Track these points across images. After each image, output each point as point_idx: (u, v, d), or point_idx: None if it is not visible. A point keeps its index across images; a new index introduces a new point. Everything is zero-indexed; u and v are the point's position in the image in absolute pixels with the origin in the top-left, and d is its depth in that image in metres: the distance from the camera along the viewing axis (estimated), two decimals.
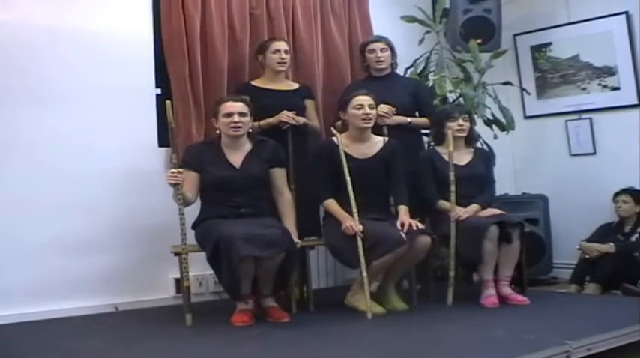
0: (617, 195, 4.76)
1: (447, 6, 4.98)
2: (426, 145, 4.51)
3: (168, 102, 3.61)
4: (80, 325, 3.69)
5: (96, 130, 4.05)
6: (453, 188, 3.90)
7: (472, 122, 4.18)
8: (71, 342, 3.29)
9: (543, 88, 5.47)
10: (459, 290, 3.93)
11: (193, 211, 3.78)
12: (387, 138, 4.02)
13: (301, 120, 4.10)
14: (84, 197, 3.99)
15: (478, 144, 4.39)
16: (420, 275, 4.16)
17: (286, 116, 4.03)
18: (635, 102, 5.03)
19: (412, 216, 3.85)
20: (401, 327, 3.47)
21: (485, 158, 4.24)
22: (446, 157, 3.99)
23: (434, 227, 4.03)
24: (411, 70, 4.79)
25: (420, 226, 3.77)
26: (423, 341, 3.19)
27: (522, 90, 5.39)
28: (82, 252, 3.97)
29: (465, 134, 4.11)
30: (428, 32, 4.82)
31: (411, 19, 4.75)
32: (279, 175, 3.84)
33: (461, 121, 4.09)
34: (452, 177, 3.90)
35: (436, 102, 4.54)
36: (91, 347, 3.19)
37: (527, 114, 5.56)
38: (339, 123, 4.04)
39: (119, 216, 4.10)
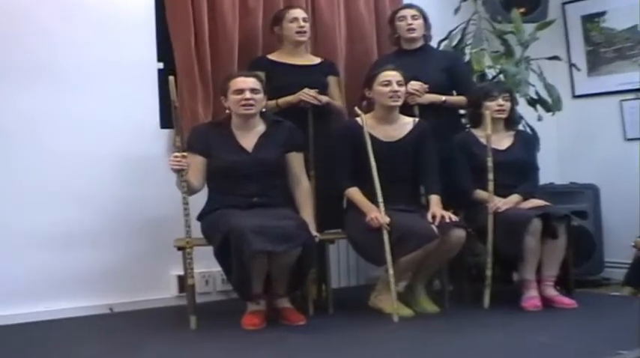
0: None
1: None
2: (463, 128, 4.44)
3: (171, 78, 3.61)
4: (69, 329, 3.71)
5: (88, 110, 4.03)
6: (490, 176, 3.90)
7: (513, 102, 4.17)
8: (59, 348, 3.30)
9: (595, 63, 5.40)
10: (497, 292, 3.95)
11: (199, 201, 3.78)
12: (417, 120, 4.02)
13: (324, 99, 4.08)
14: (75, 185, 3.98)
15: (520, 127, 4.38)
16: (453, 274, 4.16)
17: (307, 95, 4.01)
18: None
19: (445, 207, 3.85)
20: (431, 332, 3.47)
21: (528, 142, 4.23)
22: (483, 141, 3.98)
23: (469, 219, 4.03)
24: (445, 42, 4.76)
25: (454, 218, 3.77)
26: (456, 348, 3.19)
27: (571, 65, 5.33)
28: (72, 246, 3.97)
29: (505, 115, 4.10)
30: (464, 0, 4.79)
31: None
32: (296, 160, 3.85)
33: (501, 101, 4.07)
34: (490, 163, 3.90)
35: (473, 79, 4.52)
36: (81, 354, 3.20)
37: (577, 92, 5.49)
38: (363, 102, 4.03)
39: (115, 206, 4.10)
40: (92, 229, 4.03)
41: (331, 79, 4.27)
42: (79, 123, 4.02)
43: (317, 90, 4.04)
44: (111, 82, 4.08)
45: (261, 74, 3.86)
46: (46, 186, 3.92)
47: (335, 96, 4.25)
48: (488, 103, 4.05)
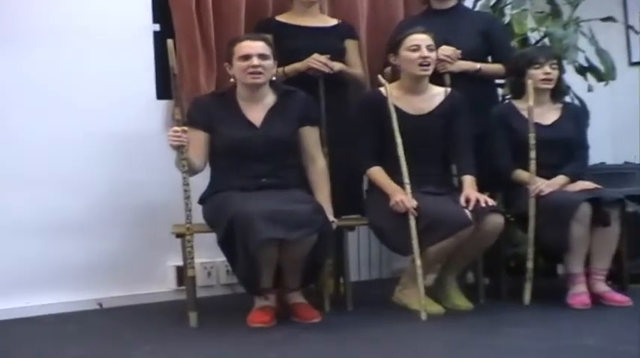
0: None
1: None
2: (501, 99, 4.49)
3: (169, 41, 3.61)
4: (53, 327, 3.72)
5: (75, 79, 4.03)
6: (533, 154, 3.89)
7: (561, 70, 4.14)
8: (41, 349, 3.31)
9: None
10: (540, 286, 3.95)
11: (201, 182, 3.80)
12: (449, 90, 4.01)
13: (336, 66, 4.06)
14: (61, 166, 3.99)
15: (567, 99, 4.37)
16: (488, 266, 4.16)
17: (317, 61, 4.00)
18: None
19: (480, 190, 3.84)
20: (463, 332, 3.48)
21: (577, 116, 4.21)
22: (525, 114, 3.96)
23: (508, 204, 4.06)
24: (482, 2, 4.73)
25: (491, 202, 3.76)
26: (491, 351, 3.18)
27: (628, 28, 5.28)
28: (57, 234, 3.98)
29: (551, 85, 4.07)
30: None
31: None
32: (311, 136, 3.85)
33: (547, 68, 4.05)
34: (532, 140, 3.89)
35: (514, 43, 4.50)
36: (66, 354, 3.20)
37: (634, 59, 5.45)
38: (388, 70, 4.04)
39: (106, 190, 4.12)
40: (79, 215, 4.04)
41: (349, 43, 4.24)
42: (67, 97, 4.01)
43: (328, 56, 4.02)
44: (101, 47, 4.07)
45: (270, 37, 3.87)
46: (26, 169, 3.93)
47: (353, 63, 4.23)
48: (532, 71, 4.03)
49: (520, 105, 4.07)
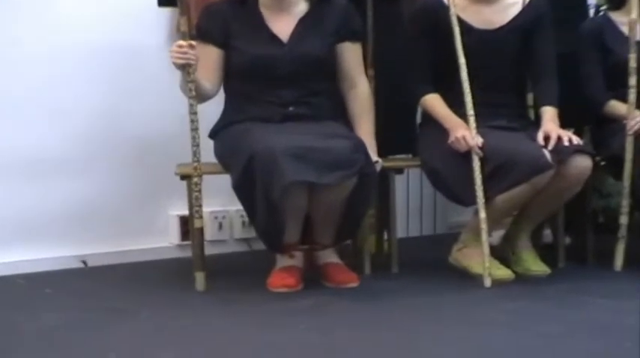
0: None
1: None
2: (593, 11, 4.45)
3: None
4: (26, 289, 3.74)
5: None
6: (633, 81, 3.88)
7: None
8: (10, 316, 3.31)
9: None
10: (635, 248, 3.93)
11: (213, 110, 3.80)
12: None
13: None
14: (40, 93, 3.99)
15: None
16: (571, 222, 4.16)
17: None
18: None
19: (563, 125, 3.82)
20: (537, 303, 3.46)
21: None
22: (625, 30, 3.95)
23: (598, 143, 4.04)
24: None
25: (576, 141, 3.73)
26: (572, 326, 3.14)
27: None
28: (31, 174, 3.99)
29: None
30: None
31: None
32: (351, 54, 3.85)
33: None
34: (633, 62, 3.88)
35: None
36: (42, 323, 3.20)
37: None
38: None
39: (93, 118, 4.12)
40: (59, 150, 4.04)
41: None
42: (47, 6, 4.03)
43: None
44: None
45: None
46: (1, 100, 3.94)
47: None
48: None
49: (619, 18, 4.05)
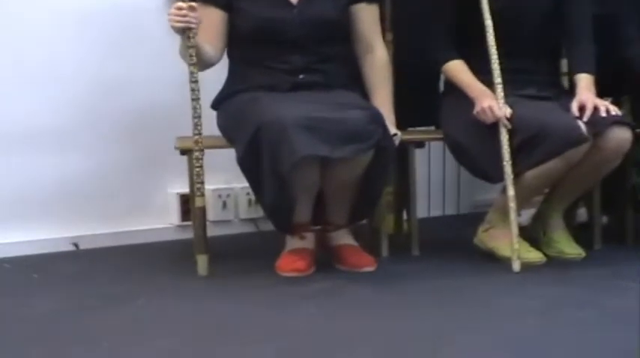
0: None
1: None
2: None
3: None
4: (13, 273, 3.75)
5: None
6: None
7: None
8: None
9: None
10: None
11: (216, 78, 3.78)
12: None
13: None
14: (26, 59, 3.99)
15: None
16: (608, 200, 4.14)
17: None
18: None
19: (600, 94, 3.80)
20: (571, 289, 3.46)
21: None
22: None
23: (638, 113, 3.99)
24: None
25: (614, 111, 3.71)
26: (609, 313, 3.13)
27: None
28: (19, 150, 3.99)
29: None
30: None
31: None
32: (367, 16, 3.85)
33: None
34: None
35: None
36: (31, 309, 3.21)
37: None
38: None
39: (84, 87, 4.11)
40: (50, 125, 4.03)
41: None
42: None
43: None
44: None
45: None
46: None
47: None
48: None
49: None
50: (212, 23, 3.69)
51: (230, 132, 3.68)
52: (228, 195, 4.35)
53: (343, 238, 3.71)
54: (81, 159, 4.10)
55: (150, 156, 4.14)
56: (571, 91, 3.84)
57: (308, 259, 3.60)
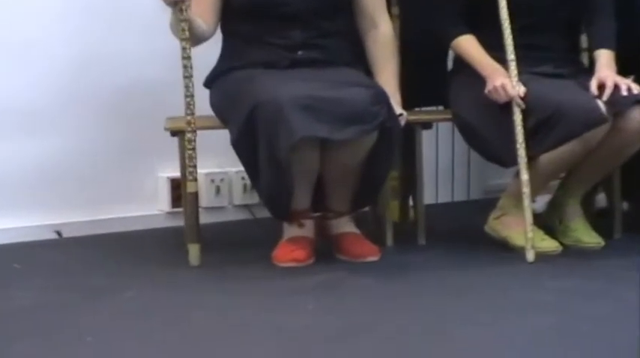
0: None
1: None
2: None
3: None
4: None
5: None
6: None
7: None
8: None
9: None
10: None
11: (209, 54, 3.77)
12: None
13: None
14: (10, 34, 3.99)
15: None
16: (629, 186, 4.13)
17: None
18: None
19: (621, 72, 3.78)
20: (588, 280, 3.45)
21: None
22: None
23: None
24: None
25: (636, 90, 3.70)
26: (630, 305, 3.05)
27: None
28: None
29: None
30: None
31: None
32: None
33: None
34: None
35: None
36: (11, 301, 3.21)
37: None
38: None
39: (69, 65, 4.12)
40: (30, 104, 4.03)
41: None
42: None
43: None
44: None
45: None
46: None
47: None
48: None
49: None
50: None
51: (224, 112, 3.67)
52: (221, 180, 4.36)
53: (345, 226, 3.70)
54: (64, 141, 4.11)
55: (138, 138, 4.15)
56: (590, 69, 3.83)
57: (307, 248, 3.60)
